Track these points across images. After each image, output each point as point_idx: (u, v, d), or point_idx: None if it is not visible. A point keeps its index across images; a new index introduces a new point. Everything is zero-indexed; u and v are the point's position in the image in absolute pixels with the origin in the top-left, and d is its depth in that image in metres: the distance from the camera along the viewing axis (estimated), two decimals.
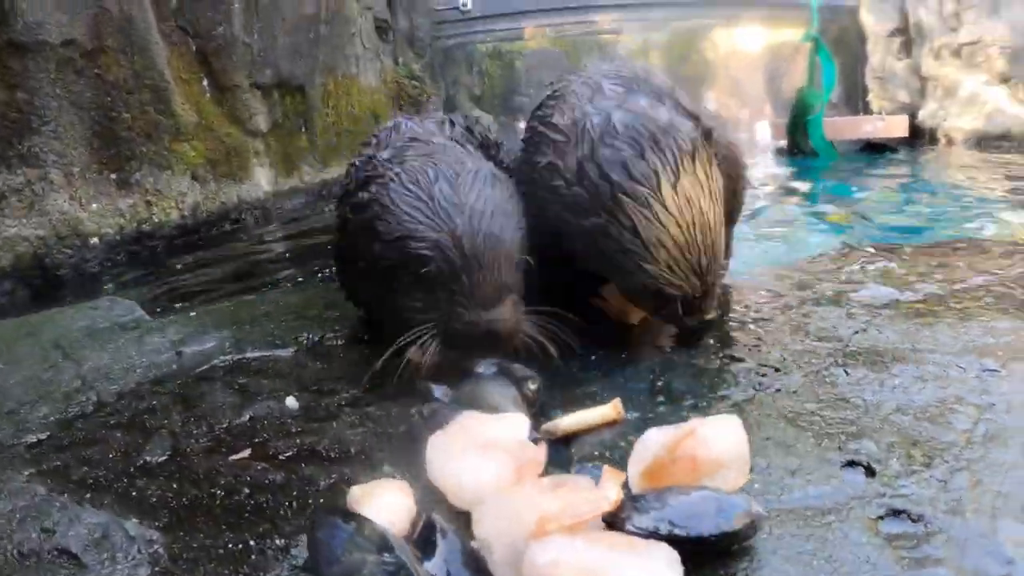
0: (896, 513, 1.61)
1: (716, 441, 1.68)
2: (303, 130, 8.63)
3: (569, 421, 2.01)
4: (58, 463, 1.97)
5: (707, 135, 2.49)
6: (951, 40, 13.81)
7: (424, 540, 1.46)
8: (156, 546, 1.56)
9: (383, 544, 1.38)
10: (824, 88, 11.84)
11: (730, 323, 2.80)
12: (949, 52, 13.87)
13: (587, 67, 2.94)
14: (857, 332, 2.59)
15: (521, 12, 15.04)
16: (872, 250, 3.87)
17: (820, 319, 2.76)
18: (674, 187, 2.30)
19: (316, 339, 2.86)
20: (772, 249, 5.29)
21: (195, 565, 1.52)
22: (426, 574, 1.38)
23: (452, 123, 2.95)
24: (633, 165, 2.31)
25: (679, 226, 2.29)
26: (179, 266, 5.61)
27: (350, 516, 1.48)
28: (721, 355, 2.52)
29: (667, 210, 2.29)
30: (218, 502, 1.76)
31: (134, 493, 1.81)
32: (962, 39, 13.65)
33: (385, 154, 2.63)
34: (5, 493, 1.78)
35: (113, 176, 5.82)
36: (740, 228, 3.61)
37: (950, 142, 13.25)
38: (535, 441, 1.83)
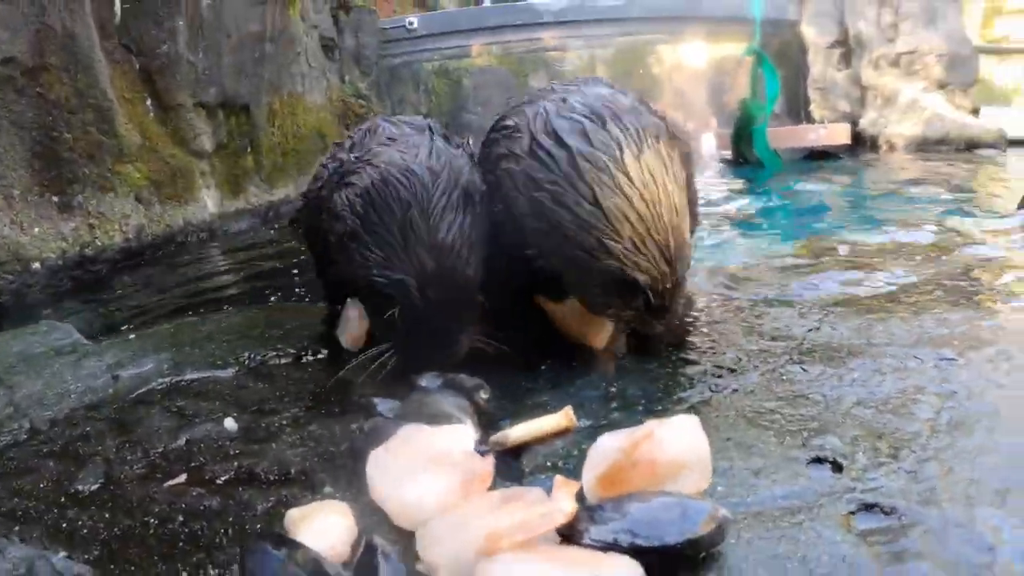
0: (868, 507, 1.58)
1: (675, 442, 1.59)
2: (248, 150, 8.51)
3: (519, 431, 1.90)
4: None
5: (669, 128, 2.39)
6: (889, 50, 14.13)
7: (365, 565, 1.37)
8: None
9: (316, 570, 1.31)
10: (767, 99, 12.02)
11: (681, 324, 2.75)
12: (887, 62, 14.18)
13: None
14: (811, 330, 2.63)
15: (467, 30, 15.04)
16: (818, 252, 3.96)
17: (773, 319, 2.79)
18: (637, 158, 2.11)
19: (258, 359, 2.77)
20: (717, 252, 5.33)
21: None
22: None
23: (432, 128, 2.83)
24: (593, 133, 2.15)
25: (644, 200, 2.08)
26: (122, 290, 5.47)
27: (282, 542, 1.39)
28: (674, 358, 2.48)
29: (631, 181, 2.08)
30: (151, 531, 1.69)
31: (64, 524, 1.73)
32: (899, 49, 13.98)
33: (357, 155, 2.59)
34: None
35: (55, 199, 5.70)
36: None
37: (891, 148, 13.52)
38: (482, 453, 1.75)
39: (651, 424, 1.63)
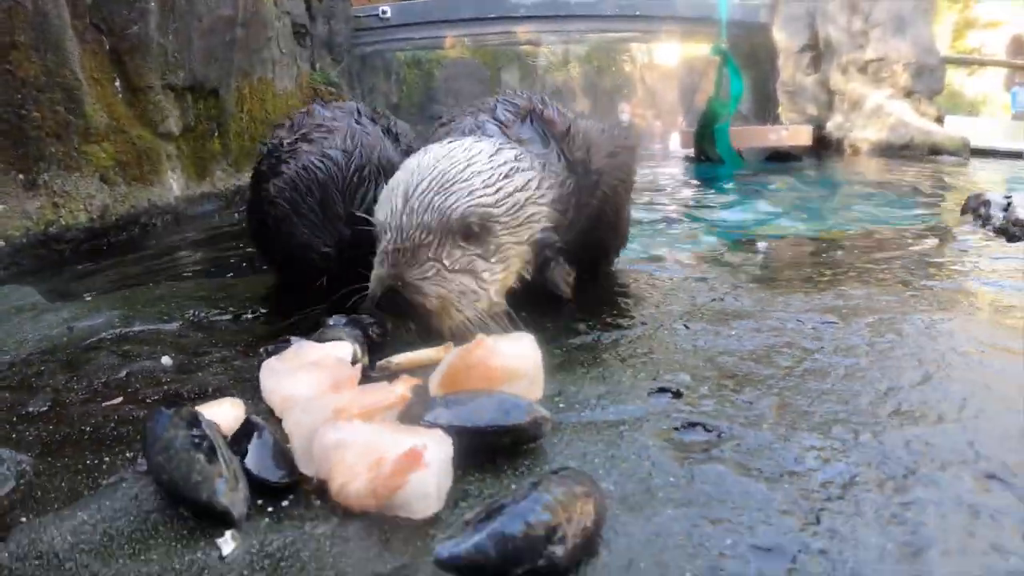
0: (692, 425, 1.82)
1: (507, 352, 1.84)
2: (216, 134, 8.52)
3: (401, 358, 2.13)
4: None
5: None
6: (858, 56, 14.35)
7: (240, 436, 1.63)
8: (24, 466, 1.71)
9: (193, 421, 1.57)
10: (731, 98, 12.21)
11: (599, 298, 2.99)
12: (856, 68, 14.40)
13: None
14: (714, 300, 2.87)
15: (440, 21, 15.07)
16: (762, 239, 4.20)
17: (682, 291, 3.03)
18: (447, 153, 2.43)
19: (202, 315, 2.98)
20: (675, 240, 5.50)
21: (53, 477, 1.69)
22: (226, 446, 1.56)
23: (359, 111, 3.27)
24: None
25: (417, 172, 2.37)
26: (84, 267, 5.49)
27: (173, 405, 1.65)
28: (576, 317, 2.71)
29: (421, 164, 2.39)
30: (87, 436, 1.90)
31: (13, 435, 1.93)
32: (868, 56, 14.20)
33: (291, 138, 3.02)
34: None
35: (21, 177, 5.69)
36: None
37: (856, 152, 13.76)
38: (355, 363, 2.05)
39: (488, 337, 1.87)
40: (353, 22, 13.84)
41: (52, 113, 5.96)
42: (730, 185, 9.91)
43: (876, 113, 13.83)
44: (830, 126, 14.57)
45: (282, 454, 1.60)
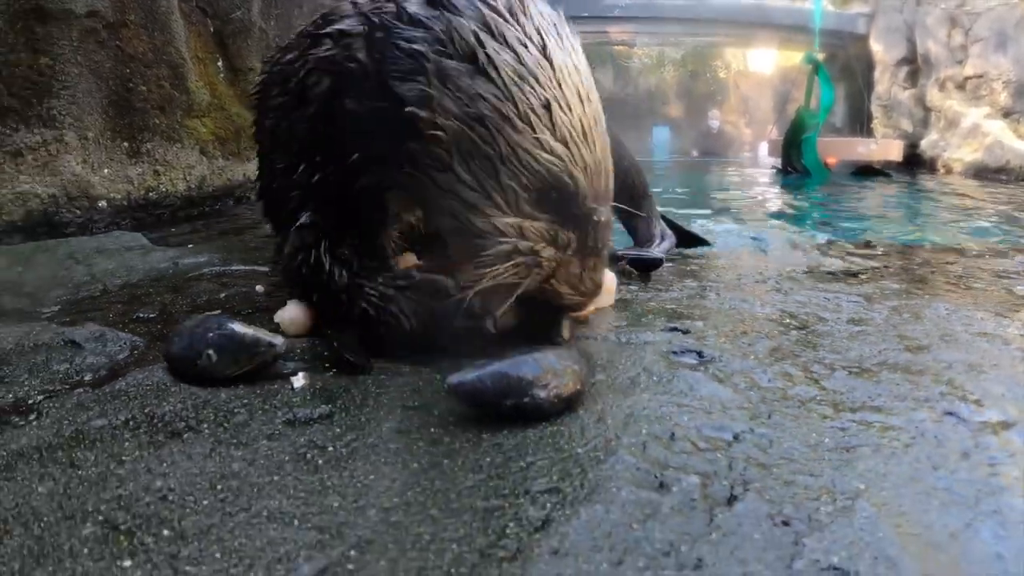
0: (688, 352, 2.23)
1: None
2: None
3: None
4: (67, 319, 2.48)
5: None
6: (957, 72, 14.08)
7: (336, 332, 2.20)
8: (137, 341, 2.19)
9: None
10: (821, 109, 12.00)
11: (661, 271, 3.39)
12: (954, 84, 14.13)
13: None
14: (757, 281, 3.25)
15: None
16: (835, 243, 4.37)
17: (732, 272, 3.45)
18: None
19: None
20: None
21: (157, 351, 2.16)
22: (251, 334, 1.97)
23: None
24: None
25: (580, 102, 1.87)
26: (179, 228, 5.84)
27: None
28: (634, 276, 3.24)
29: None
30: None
31: (128, 329, 2.35)
32: (967, 72, 13.92)
33: None
34: (25, 329, 2.24)
35: (125, 144, 6.05)
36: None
37: (948, 171, 13.48)
38: None
39: None
40: None
41: (158, 88, 6.31)
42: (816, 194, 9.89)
43: (972, 132, 13.52)
44: (924, 143, 14.31)
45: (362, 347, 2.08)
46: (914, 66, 15.06)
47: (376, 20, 1.81)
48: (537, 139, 1.65)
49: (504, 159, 1.67)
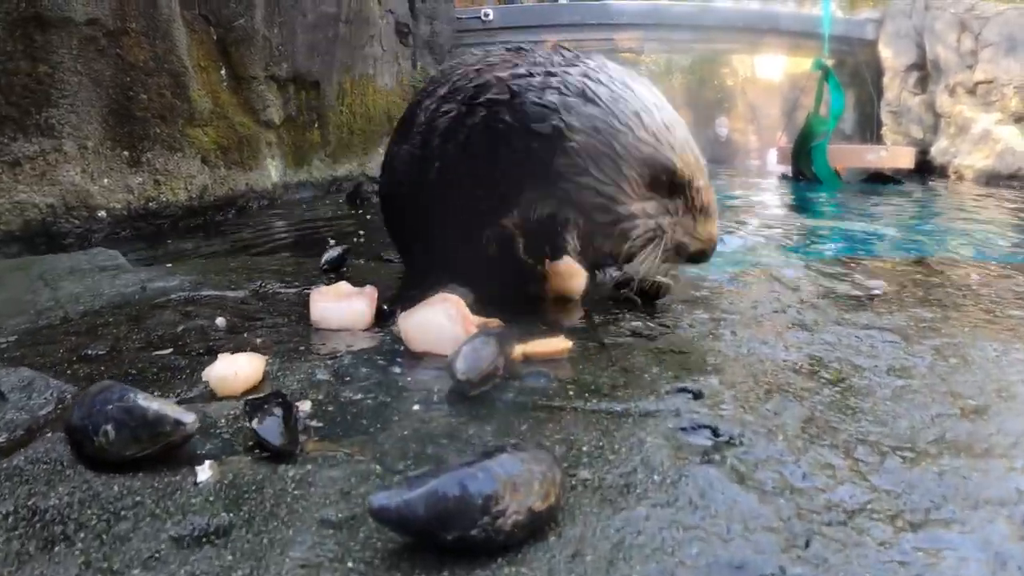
0: (701, 427, 1.77)
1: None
2: (316, 126, 8.81)
3: (532, 347, 2.19)
4: (17, 354, 2.29)
5: None
6: (967, 78, 13.92)
7: (259, 404, 1.71)
8: (66, 393, 1.91)
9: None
10: (831, 116, 11.79)
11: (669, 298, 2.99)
12: (964, 90, 13.98)
13: None
14: (776, 311, 2.84)
15: (541, 26, 15.16)
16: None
17: (748, 299, 3.03)
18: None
19: (267, 287, 3.12)
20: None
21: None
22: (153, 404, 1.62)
23: None
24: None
25: (660, 108, 2.45)
26: (172, 241, 5.75)
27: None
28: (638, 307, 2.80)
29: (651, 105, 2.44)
30: (129, 378, 2.05)
31: (68, 371, 2.13)
32: (978, 77, 13.76)
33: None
34: None
35: (125, 153, 5.98)
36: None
37: (960, 178, 13.33)
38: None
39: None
40: (455, 23, 14.05)
41: (159, 96, 6.25)
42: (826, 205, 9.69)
43: (983, 139, 13.38)
44: (934, 150, 14.17)
45: (294, 430, 1.68)
46: (924, 72, 14.93)
47: (516, 87, 2.40)
48: (637, 136, 2.28)
49: (619, 156, 2.28)
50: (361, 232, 5.71)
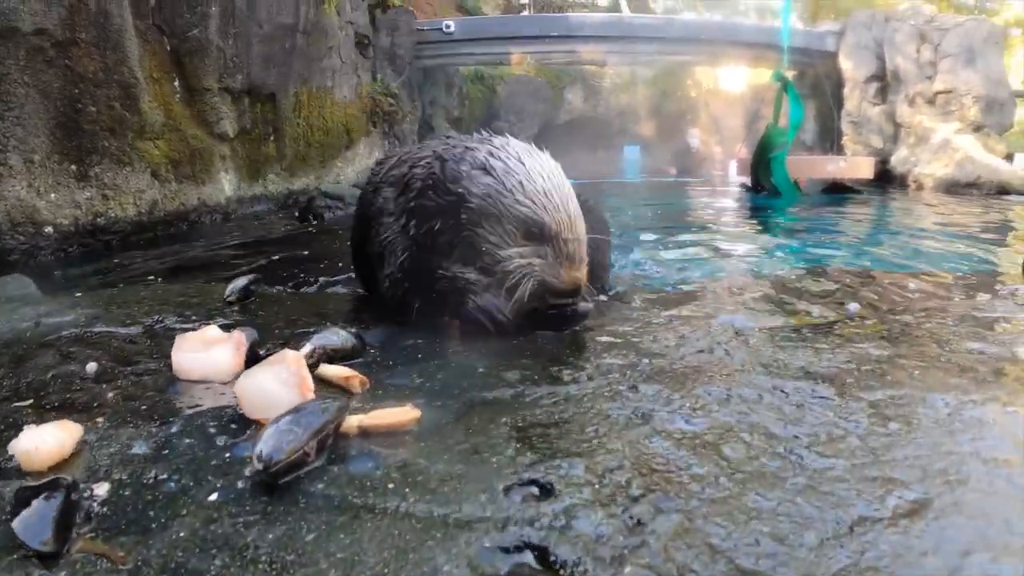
0: (528, 548, 1.38)
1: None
2: (271, 138, 8.67)
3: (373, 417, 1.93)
4: None
5: None
6: (926, 88, 14.03)
7: (35, 491, 1.49)
8: None
9: None
10: (790, 127, 11.67)
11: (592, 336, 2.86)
12: (924, 100, 14.07)
13: None
14: (700, 351, 2.59)
15: (503, 38, 15.11)
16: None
17: (670, 335, 2.81)
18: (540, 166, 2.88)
19: (165, 322, 2.98)
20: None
21: None
22: None
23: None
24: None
25: (543, 176, 2.82)
26: (122, 259, 5.55)
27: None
28: (522, 359, 2.52)
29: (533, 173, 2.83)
30: None
31: None
32: (937, 87, 13.87)
33: None
34: None
35: (73, 167, 5.83)
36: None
37: (919, 187, 13.40)
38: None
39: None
40: (416, 35, 13.94)
41: (108, 108, 6.10)
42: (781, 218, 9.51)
43: (943, 148, 13.47)
44: (894, 160, 14.25)
45: (65, 518, 1.45)
46: (883, 82, 15.02)
47: (445, 155, 2.88)
48: (517, 199, 2.73)
49: (502, 215, 2.74)
50: (306, 252, 5.56)
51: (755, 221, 8.97)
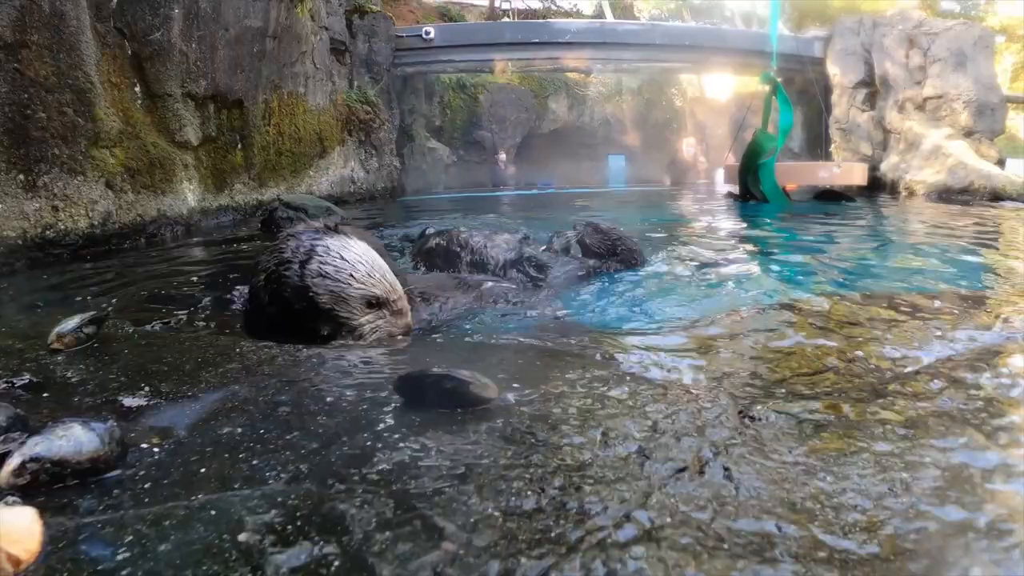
0: None
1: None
2: (239, 147, 8.28)
3: None
4: None
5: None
6: (916, 93, 13.80)
7: None
8: None
9: None
10: (780, 131, 11.24)
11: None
12: (913, 105, 13.85)
13: None
14: (636, 472, 1.81)
15: (484, 44, 14.79)
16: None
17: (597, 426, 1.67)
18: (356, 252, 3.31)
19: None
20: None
21: None
22: None
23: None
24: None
25: (363, 262, 3.26)
26: (66, 277, 5.08)
27: None
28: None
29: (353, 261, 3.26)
30: None
31: None
32: (927, 92, 13.65)
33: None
34: None
35: (21, 177, 5.44)
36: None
37: (911, 194, 13.14)
38: None
39: None
40: (395, 42, 13.60)
41: (59, 115, 5.72)
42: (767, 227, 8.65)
43: (934, 154, 13.22)
44: (884, 166, 14.00)
45: None
46: (872, 88, 14.79)
47: (285, 281, 3.18)
48: (353, 286, 3.21)
49: (347, 297, 3.16)
50: (236, 273, 4.82)
51: (744, 235, 7.73)
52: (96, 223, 5.93)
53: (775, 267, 5.38)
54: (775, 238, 7.42)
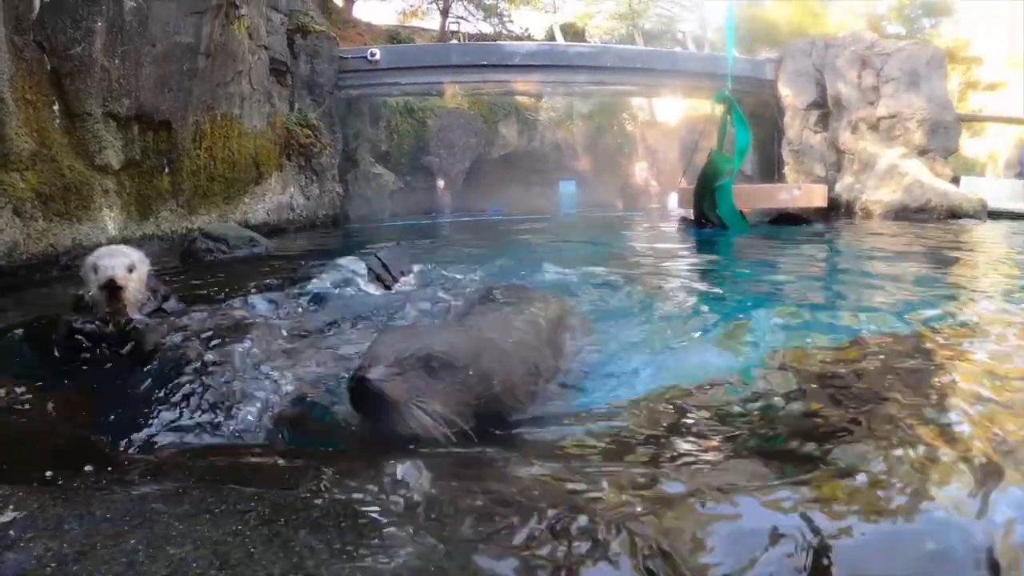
0: None
1: None
2: (166, 171, 7.73)
3: None
4: None
5: None
6: (869, 113, 13.72)
7: None
8: None
9: None
10: (736, 152, 10.53)
11: None
12: (867, 125, 13.77)
13: None
14: None
15: (432, 67, 14.37)
16: None
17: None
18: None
19: None
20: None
21: None
22: None
23: None
24: None
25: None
26: None
27: None
28: None
29: None
30: None
31: None
32: (880, 112, 13.57)
33: None
34: None
35: None
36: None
37: (867, 215, 13.01)
38: None
39: None
40: (339, 63, 13.10)
41: None
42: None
43: (889, 173, 13.16)
44: (839, 187, 13.89)
45: None
46: (824, 109, 14.71)
47: None
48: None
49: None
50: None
51: (698, 266, 6.72)
52: (1, 254, 5.37)
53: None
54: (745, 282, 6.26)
